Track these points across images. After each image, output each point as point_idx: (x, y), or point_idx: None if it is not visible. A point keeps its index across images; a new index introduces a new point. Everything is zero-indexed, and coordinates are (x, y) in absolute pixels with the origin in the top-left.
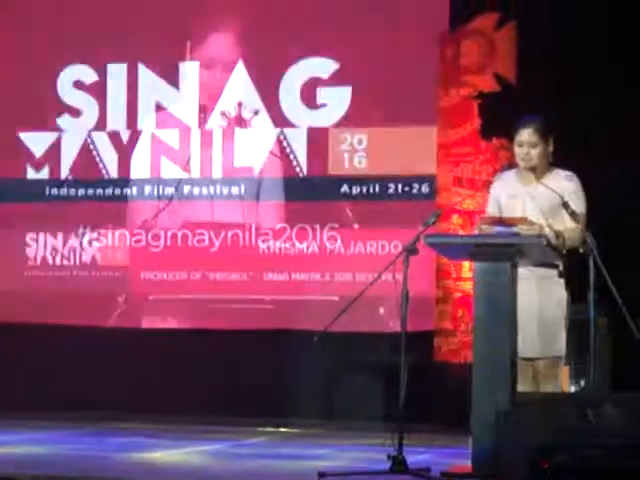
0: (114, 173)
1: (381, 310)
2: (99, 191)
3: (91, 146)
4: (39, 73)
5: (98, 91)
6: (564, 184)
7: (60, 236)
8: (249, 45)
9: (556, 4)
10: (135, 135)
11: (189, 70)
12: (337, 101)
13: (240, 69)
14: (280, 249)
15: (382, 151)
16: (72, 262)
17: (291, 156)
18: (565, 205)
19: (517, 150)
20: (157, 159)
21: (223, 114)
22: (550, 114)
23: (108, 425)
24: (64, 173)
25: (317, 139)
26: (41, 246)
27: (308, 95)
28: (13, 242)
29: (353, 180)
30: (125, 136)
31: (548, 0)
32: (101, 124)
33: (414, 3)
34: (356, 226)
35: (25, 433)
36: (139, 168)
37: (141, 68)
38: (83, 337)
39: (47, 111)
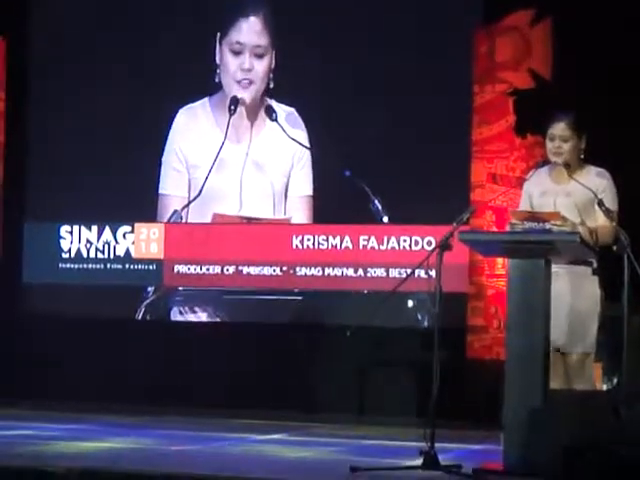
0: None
1: (413, 306)
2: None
3: None
4: None
5: None
6: (596, 181)
7: (94, 229)
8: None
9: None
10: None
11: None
12: None
13: (273, 58)
14: (313, 243)
15: None
16: (106, 255)
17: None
18: (600, 203)
19: (549, 144)
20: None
21: (254, 105)
22: (585, 111)
23: (140, 418)
24: None
25: None
26: (75, 239)
27: None
28: (48, 235)
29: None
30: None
31: None
32: None
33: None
34: (386, 219)
35: (56, 425)
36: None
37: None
38: (117, 329)
39: None
